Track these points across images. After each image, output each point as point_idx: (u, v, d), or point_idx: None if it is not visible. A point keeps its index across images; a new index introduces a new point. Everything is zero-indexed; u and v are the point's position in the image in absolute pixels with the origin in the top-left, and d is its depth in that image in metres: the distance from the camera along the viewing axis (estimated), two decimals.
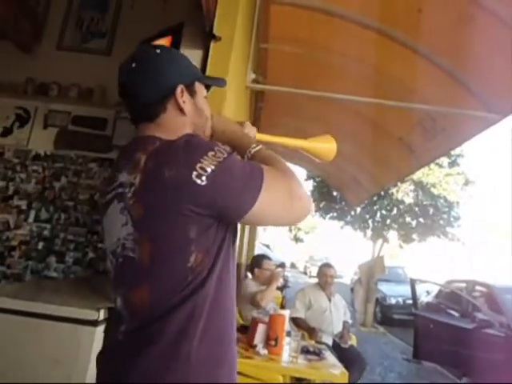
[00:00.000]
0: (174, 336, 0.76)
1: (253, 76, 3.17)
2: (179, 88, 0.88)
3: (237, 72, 2.32)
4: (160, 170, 0.77)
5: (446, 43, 2.71)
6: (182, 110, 0.89)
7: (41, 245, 2.94)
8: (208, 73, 1.85)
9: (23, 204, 3.02)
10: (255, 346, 2.13)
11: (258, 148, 0.93)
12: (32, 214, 3.00)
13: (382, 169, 5.21)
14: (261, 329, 2.16)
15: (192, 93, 0.91)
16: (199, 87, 0.94)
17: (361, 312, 8.90)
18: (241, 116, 3.20)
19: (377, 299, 9.28)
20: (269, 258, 3.53)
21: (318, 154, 1.20)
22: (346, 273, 18.00)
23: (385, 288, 9.71)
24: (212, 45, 1.85)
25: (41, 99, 3.16)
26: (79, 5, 3.37)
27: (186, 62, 0.95)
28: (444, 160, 9.95)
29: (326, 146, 1.20)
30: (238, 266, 4.85)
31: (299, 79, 3.76)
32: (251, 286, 3.17)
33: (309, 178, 12.23)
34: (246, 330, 2.45)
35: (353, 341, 3.51)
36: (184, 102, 0.89)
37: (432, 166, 9.46)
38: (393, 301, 9.59)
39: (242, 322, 2.98)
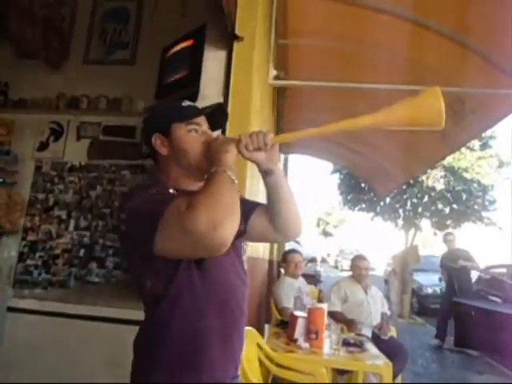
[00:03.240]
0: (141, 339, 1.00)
1: (274, 73, 3.18)
2: (153, 137, 1.06)
3: (259, 70, 2.34)
4: None
5: (473, 20, 2.63)
6: (160, 154, 1.06)
7: (82, 252, 3.07)
8: (233, 73, 1.88)
9: (63, 214, 3.16)
10: (296, 340, 2.15)
11: (212, 171, 0.94)
12: (72, 223, 3.13)
13: (411, 156, 5.09)
14: (300, 323, 2.17)
15: (168, 136, 1.05)
16: (176, 129, 1.05)
17: (397, 303, 8.72)
18: (264, 114, 3.22)
19: (413, 290, 9.06)
20: (295, 252, 3.55)
21: (409, 124, 0.93)
22: (379, 265, 17.69)
23: (420, 278, 9.46)
24: (235, 45, 1.88)
25: (72, 112, 3.29)
26: (102, 18, 3.48)
27: (163, 111, 1.12)
28: (475, 143, 9.59)
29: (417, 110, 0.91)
30: (270, 262, 4.88)
31: (320, 72, 3.74)
32: (279, 285, 3.24)
33: (335, 171, 12.11)
34: (286, 325, 2.47)
35: (392, 332, 3.46)
36: (163, 145, 1.05)
37: (463, 149, 9.15)
38: (429, 290, 9.34)
39: (279, 317, 3.01)
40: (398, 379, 3.19)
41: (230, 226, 0.82)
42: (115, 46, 3.40)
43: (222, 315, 0.98)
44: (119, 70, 3.33)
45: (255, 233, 1.13)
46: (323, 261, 23.74)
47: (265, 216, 1.13)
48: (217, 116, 1.12)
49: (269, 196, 1.11)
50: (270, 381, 1.97)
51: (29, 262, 3.09)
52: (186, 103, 1.10)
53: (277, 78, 3.26)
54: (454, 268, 5.88)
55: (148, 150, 1.10)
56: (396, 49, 3.12)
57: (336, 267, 25.09)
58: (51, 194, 3.20)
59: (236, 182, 0.92)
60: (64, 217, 3.16)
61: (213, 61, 2.02)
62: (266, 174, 1.06)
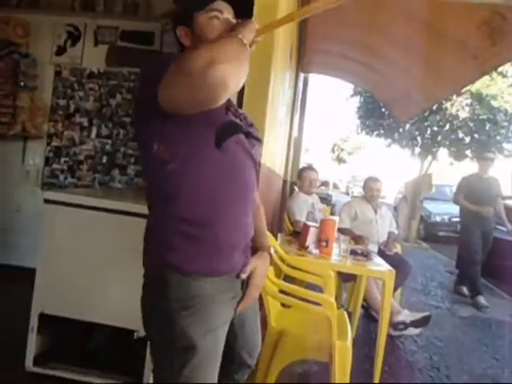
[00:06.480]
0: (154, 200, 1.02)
1: None
2: (177, 30, 1.06)
3: None
4: None
5: None
6: (185, 46, 1.05)
7: (105, 159, 3.19)
8: None
9: (84, 121, 3.22)
10: (307, 247, 2.30)
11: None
12: (94, 130, 3.21)
13: (438, 79, 4.84)
14: (312, 232, 2.31)
15: (191, 27, 1.04)
16: (197, 17, 1.03)
17: (404, 229, 8.99)
18: (289, 25, 3.04)
19: (421, 217, 9.28)
20: (311, 169, 3.62)
21: None
22: (389, 193, 17.85)
23: (430, 206, 9.61)
24: None
25: (89, 15, 3.18)
26: None
27: (185, 3, 1.11)
28: (508, 69, 8.99)
29: None
30: (284, 182, 4.99)
31: None
32: (293, 200, 3.36)
33: (355, 93, 11.68)
34: (298, 234, 2.62)
35: (397, 249, 3.63)
36: (186, 36, 1.05)
37: (494, 75, 8.63)
38: (438, 218, 9.54)
39: (292, 228, 3.18)
40: (398, 292, 3.43)
41: (229, 67, 0.81)
42: None
43: (234, 185, 0.99)
44: None
45: None
46: (335, 186, 24.08)
47: None
48: (240, 1, 1.06)
49: None
50: (281, 279, 2.17)
51: (55, 166, 3.24)
52: None
53: None
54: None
55: (179, 46, 1.08)
56: None
57: (347, 193, 25.47)
58: (72, 101, 3.23)
59: (248, 48, 0.90)
60: (86, 124, 3.22)
61: None
62: None
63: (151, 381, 1.72)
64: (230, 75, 0.81)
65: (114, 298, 1.72)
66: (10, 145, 3.25)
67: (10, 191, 3.27)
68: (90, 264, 1.74)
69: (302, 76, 6.67)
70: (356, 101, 12.07)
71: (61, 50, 3.24)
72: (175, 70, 0.84)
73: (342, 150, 36.69)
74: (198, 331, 0.92)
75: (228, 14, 1.04)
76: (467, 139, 10.00)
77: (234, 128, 1.00)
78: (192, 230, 0.94)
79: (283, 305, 1.99)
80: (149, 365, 1.71)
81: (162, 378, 0.96)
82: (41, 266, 1.76)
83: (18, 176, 3.29)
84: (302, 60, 5.64)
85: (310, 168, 3.61)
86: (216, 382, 0.99)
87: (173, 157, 0.94)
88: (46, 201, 1.73)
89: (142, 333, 1.72)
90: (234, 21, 1.03)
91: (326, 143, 36.24)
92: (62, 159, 3.23)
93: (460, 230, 4.88)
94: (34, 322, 1.75)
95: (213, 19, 1.02)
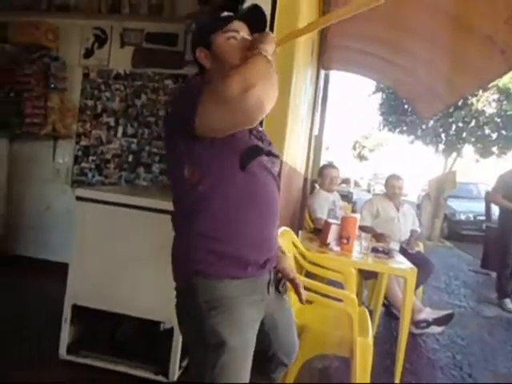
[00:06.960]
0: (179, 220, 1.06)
1: None
2: (197, 51, 1.09)
3: None
4: None
5: None
6: (205, 68, 1.09)
7: (130, 157, 3.29)
8: None
9: (111, 121, 3.33)
10: (328, 244, 2.32)
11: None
12: (120, 129, 3.31)
13: (463, 73, 4.74)
14: (334, 229, 2.33)
15: (209, 47, 1.07)
16: (215, 39, 1.06)
17: (427, 227, 8.82)
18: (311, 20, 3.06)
19: (445, 215, 9.08)
20: (332, 166, 3.62)
21: None
22: (412, 191, 17.54)
23: (455, 204, 9.40)
24: None
25: (115, 18, 3.28)
26: None
27: (202, 24, 1.15)
28: None
29: None
30: (305, 180, 5.00)
31: None
32: (314, 198, 3.37)
33: (377, 90, 11.52)
34: (319, 232, 2.64)
35: (420, 248, 3.59)
36: (206, 58, 1.08)
37: None
38: (462, 217, 9.32)
39: (313, 225, 3.21)
40: (419, 290, 3.40)
41: (263, 89, 0.85)
42: None
43: (258, 205, 1.03)
44: None
45: None
46: (356, 184, 23.83)
47: None
48: (254, 18, 1.08)
49: None
50: (302, 276, 2.20)
51: (83, 164, 3.37)
52: (224, 14, 1.09)
53: None
54: None
55: (198, 67, 1.12)
56: None
57: (368, 191, 25.17)
58: (99, 101, 3.35)
59: (272, 63, 0.93)
60: (112, 124, 3.33)
61: None
62: None
63: (177, 370, 1.80)
64: (266, 96, 0.86)
65: (141, 290, 1.80)
66: (42, 144, 3.39)
67: (42, 189, 3.43)
68: (119, 258, 1.82)
69: (322, 73, 6.64)
70: (378, 97, 11.90)
71: (88, 53, 3.36)
72: (209, 98, 0.88)
73: (364, 147, 36.24)
74: (227, 329, 0.96)
75: (244, 32, 1.08)
76: (494, 135, 9.71)
77: (257, 151, 1.05)
78: (216, 245, 0.99)
79: None
80: (175, 355, 1.78)
81: (197, 374, 1.01)
82: (73, 260, 1.86)
83: (49, 174, 3.43)
84: (323, 57, 5.62)
85: (330, 166, 3.62)
86: (248, 382, 1.02)
87: (201, 179, 0.98)
88: (78, 198, 1.82)
89: (167, 325, 1.79)
90: (250, 38, 1.06)
91: (347, 140, 35.85)
92: (90, 158, 3.35)
93: (498, 230, 4.53)
94: (67, 313, 1.85)
95: (230, 39, 1.06)
